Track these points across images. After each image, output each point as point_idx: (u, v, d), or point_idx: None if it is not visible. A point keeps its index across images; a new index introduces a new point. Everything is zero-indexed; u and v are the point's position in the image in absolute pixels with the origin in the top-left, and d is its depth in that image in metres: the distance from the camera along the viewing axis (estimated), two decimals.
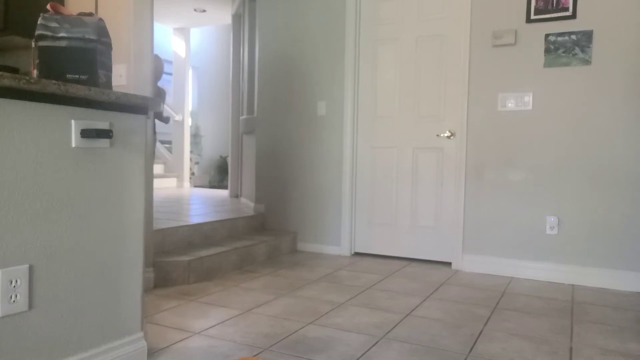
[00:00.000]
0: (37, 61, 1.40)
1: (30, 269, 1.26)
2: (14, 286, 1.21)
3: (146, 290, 2.46)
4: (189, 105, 6.50)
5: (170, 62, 6.73)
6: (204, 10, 5.53)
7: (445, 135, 3.21)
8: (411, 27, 3.32)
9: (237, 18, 5.13)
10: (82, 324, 1.40)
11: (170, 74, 6.97)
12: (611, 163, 2.76)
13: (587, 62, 2.80)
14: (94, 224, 1.42)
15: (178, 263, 2.62)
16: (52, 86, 1.25)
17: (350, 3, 3.48)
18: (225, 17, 5.64)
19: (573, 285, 2.81)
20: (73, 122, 1.34)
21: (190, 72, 6.58)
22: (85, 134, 1.35)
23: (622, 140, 2.74)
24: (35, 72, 1.41)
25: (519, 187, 2.99)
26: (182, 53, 6.30)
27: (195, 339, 1.85)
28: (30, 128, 1.25)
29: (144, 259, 1.59)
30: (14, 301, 1.22)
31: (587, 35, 2.79)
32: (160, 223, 2.98)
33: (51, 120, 1.29)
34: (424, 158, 3.31)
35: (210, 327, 1.98)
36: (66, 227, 1.34)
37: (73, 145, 1.34)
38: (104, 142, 1.42)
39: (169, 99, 6.67)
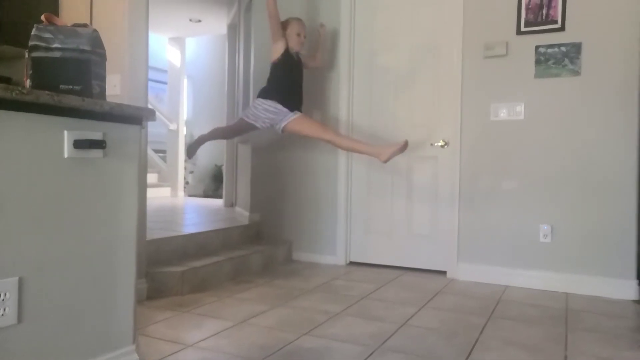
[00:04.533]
0: (30, 72, 1.40)
1: (20, 281, 1.24)
2: (3, 299, 1.20)
3: (139, 301, 2.44)
4: (184, 114, 6.51)
5: (165, 72, 6.74)
6: (200, 21, 5.56)
7: (439, 144, 3.23)
8: (405, 38, 3.35)
9: (232, 28, 5.15)
10: (72, 337, 1.38)
11: (165, 83, 6.98)
12: (602, 171, 2.79)
13: (577, 73, 2.83)
14: (86, 235, 1.41)
15: (171, 274, 2.60)
16: (45, 97, 1.24)
17: (344, 13, 3.51)
18: (220, 27, 5.67)
19: (567, 293, 2.82)
20: (66, 132, 1.34)
21: (185, 82, 6.59)
22: (78, 144, 1.35)
23: (612, 148, 2.76)
24: (28, 83, 1.41)
25: (512, 196, 3.00)
26: (178, 62, 6.32)
27: (189, 352, 1.84)
28: (23, 139, 1.24)
29: (136, 270, 1.58)
30: (2, 315, 1.20)
31: (576, 47, 2.83)
32: (153, 233, 2.96)
33: (44, 130, 1.29)
34: (418, 167, 3.32)
35: (204, 339, 1.97)
36: (58, 238, 1.33)
37: (66, 155, 1.34)
38: (97, 153, 1.42)
39: (164, 108, 6.67)
